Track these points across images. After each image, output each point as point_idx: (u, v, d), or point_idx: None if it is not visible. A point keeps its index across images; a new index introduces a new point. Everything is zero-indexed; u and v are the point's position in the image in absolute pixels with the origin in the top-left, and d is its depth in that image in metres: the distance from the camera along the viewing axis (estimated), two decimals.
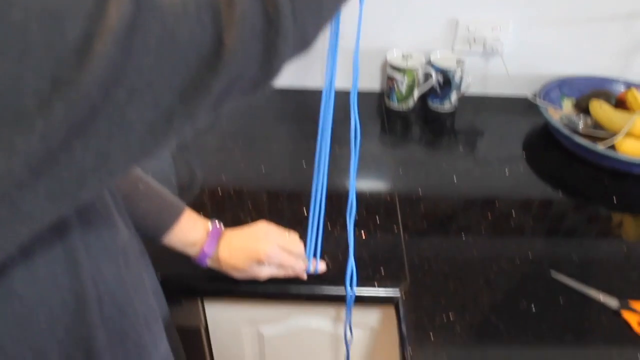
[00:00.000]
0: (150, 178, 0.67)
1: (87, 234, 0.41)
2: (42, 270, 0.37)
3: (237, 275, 0.71)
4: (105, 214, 0.43)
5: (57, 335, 0.40)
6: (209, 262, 0.70)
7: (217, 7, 0.33)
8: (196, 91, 0.32)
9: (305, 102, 1.18)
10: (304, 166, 0.97)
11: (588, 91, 1.12)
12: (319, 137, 0.66)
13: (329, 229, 0.83)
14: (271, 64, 0.37)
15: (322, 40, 0.47)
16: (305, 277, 0.74)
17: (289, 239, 0.73)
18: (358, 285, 0.73)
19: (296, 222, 0.84)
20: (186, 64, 0.31)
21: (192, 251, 0.69)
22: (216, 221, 0.72)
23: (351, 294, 0.73)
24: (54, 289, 0.39)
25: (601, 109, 1.04)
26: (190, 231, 0.68)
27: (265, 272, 0.71)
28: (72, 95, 0.26)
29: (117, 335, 0.45)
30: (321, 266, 0.75)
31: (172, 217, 0.67)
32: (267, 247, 0.69)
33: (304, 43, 0.40)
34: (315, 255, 0.74)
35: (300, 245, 0.73)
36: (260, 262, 0.69)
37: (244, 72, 0.35)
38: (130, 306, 0.46)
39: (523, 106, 1.17)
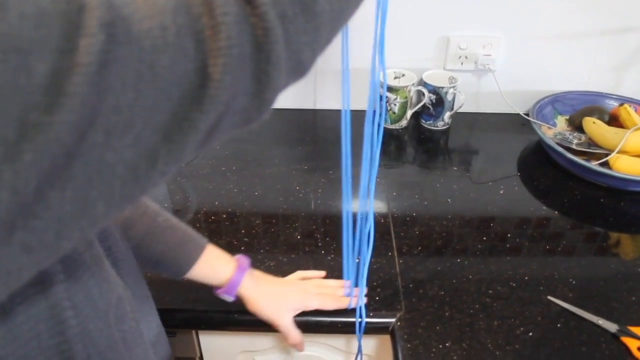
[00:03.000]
0: (169, 213, 0.66)
1: (74, 290, 0.38)
2: (24, 329, 0.35)
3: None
4: (95, 268, 0.40)
5: None
6: (240, 290, 0.68)
7: (201, 34, 0.29)
8: (181, 128, 0.30)
9: (297, 122, 1.17)
10: (297, 188, 0.96)
11: (581, 107, 1.12)
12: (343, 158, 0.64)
13: (322, 252, 0.82)
14: (263, 94, 0.34)
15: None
16: (346, 305, 0.74)
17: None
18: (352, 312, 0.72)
19: (290, 248, 0.83)
20: (168, 99, 0.29)
21: (219, 281, 0.67)
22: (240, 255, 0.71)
23: (362, 320, 0.73)
24: (37, 350, 0.36)
25: (594, 126, 1.04)
26: (217, 262, 0.68)
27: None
28: (42, 141, 0.24)
29: None
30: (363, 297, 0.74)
31: (198, 249, 0.65)
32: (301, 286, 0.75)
33: (299, 69, 0.36)
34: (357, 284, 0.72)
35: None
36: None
37: (234, 105, 0.32)
38: None
39: (517, 123, 1.16)
